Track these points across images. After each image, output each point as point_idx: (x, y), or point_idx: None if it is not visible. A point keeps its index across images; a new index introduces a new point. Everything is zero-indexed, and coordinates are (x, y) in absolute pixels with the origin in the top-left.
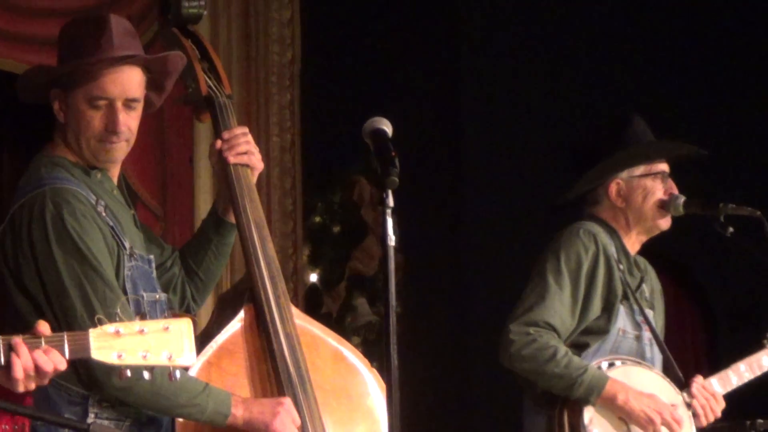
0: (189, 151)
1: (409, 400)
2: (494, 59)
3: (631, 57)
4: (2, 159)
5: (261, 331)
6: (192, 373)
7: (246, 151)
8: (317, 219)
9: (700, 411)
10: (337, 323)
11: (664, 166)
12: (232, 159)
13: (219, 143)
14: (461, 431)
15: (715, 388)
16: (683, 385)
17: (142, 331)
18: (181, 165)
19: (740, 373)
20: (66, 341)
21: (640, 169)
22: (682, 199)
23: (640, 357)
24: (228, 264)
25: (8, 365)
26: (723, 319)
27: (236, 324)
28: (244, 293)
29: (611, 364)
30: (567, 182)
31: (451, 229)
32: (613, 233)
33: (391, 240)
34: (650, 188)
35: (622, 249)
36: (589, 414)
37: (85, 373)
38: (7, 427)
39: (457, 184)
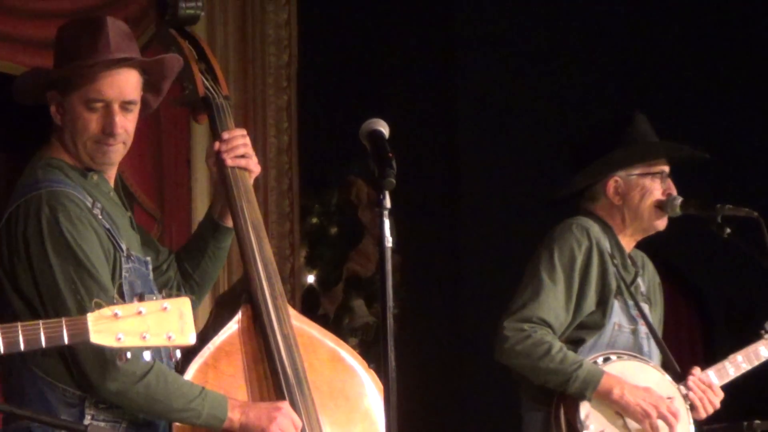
0: (186, 152)
1: (406, 401)
2: (491, 61)
3: (631, 57)
4: None
5: (258, 332)
6: (189, 374)
7: (244, 154)
8: (314, 220)
9: (698, 403)
10: (335, 324)
11: (663, 167)
12: (229, 162)
13: (217, 145)
14: None
15: (712, 380)
16: (681, 377)
17: (140, 312)
18: (178, 167)
19: (737, 364)
20: (64, 326)
21: (639, 168)
22: (679, 199)
23: (637, 351)
24: (225, 265)
25: None
26: (719, 321)
27: (233, 325)
28: (241, 295)
29: (607, 359)
30: (565, 184)
31: (448, 230)
32: (607, 229)
33: (388, 241)
34: (648, 188)
35: (616, 244)
36: (585, 409)
37: (80, 377)
38: None
39: (454, 186)
